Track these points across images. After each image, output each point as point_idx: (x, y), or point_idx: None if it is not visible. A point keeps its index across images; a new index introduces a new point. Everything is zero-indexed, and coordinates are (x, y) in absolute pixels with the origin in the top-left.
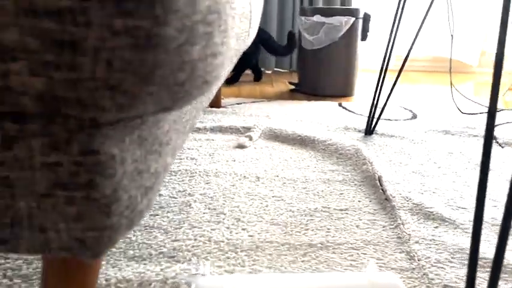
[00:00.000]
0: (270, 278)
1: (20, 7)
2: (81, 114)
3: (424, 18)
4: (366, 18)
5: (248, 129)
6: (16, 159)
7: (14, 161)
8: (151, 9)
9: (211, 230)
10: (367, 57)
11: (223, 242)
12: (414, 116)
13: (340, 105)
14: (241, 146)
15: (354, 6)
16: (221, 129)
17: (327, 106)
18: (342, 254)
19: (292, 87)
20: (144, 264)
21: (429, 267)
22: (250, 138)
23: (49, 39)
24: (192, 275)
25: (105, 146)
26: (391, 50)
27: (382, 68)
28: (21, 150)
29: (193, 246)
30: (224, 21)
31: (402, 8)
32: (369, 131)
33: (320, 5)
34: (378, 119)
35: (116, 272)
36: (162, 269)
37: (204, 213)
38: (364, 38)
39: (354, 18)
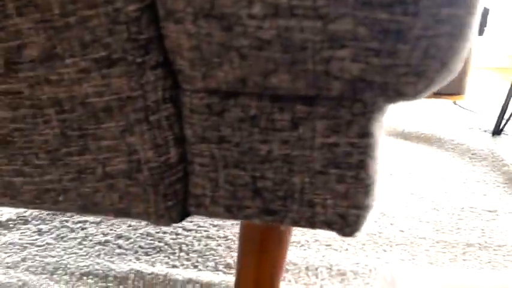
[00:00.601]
0: (463, 274)
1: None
2: (374, 98)
3: None
4: (485, 12)
5: None
6: (299, 138)
7: (297, 140)
8: None
9: None
10: (476, 54)
11: (375, 234)
12: None
13: (455, 103)
14: None
15: None
16: None
17: (441, 104)
18: (504, 255)
19: None
20: (304, 249)
21: None
22: None
23: (377, 28)
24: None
25: (374, 129)
26: None
27: None
28: (305, 131)
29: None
30: None
31: None
32: (497, 131)
33: None
34: (508, 119)
35: None
36: (323, 256)
37: None
38: (481, 33)
39: None
